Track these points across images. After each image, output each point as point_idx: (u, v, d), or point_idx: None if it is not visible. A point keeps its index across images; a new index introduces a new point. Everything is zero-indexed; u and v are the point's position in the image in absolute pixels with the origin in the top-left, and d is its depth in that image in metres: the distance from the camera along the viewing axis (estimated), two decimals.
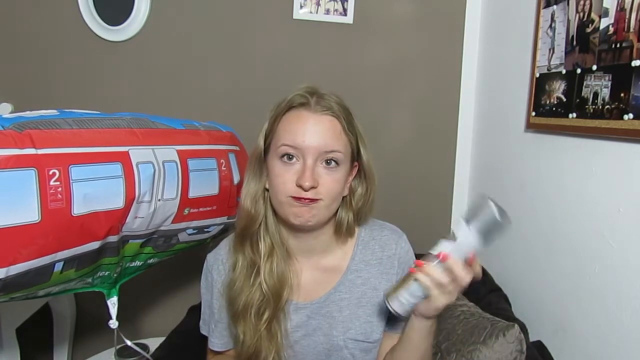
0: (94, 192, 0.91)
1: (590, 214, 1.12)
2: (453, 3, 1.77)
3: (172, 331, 1.39)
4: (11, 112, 1.08)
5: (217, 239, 1.21)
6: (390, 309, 0.85)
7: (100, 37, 1.69)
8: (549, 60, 1.27)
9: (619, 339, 1.02)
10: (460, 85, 1.81)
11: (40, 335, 1.69)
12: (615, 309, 1.03)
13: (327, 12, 1.72)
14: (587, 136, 1.13)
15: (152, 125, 1.08)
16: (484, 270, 1.53)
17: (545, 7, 1.30)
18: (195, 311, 1.41)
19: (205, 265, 1.05)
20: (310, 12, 1.72)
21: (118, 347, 1.28)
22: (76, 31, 1.68)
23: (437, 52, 1.79)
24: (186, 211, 1.12)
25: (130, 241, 1.06)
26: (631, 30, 0.97)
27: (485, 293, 1.44)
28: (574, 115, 1.15)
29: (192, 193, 1.12)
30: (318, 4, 1.71)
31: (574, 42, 1.16)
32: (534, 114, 1.34)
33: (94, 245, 0.95)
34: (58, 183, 0.85)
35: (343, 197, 0.95)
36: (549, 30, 1.28)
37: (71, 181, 0.87)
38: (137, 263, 1.17)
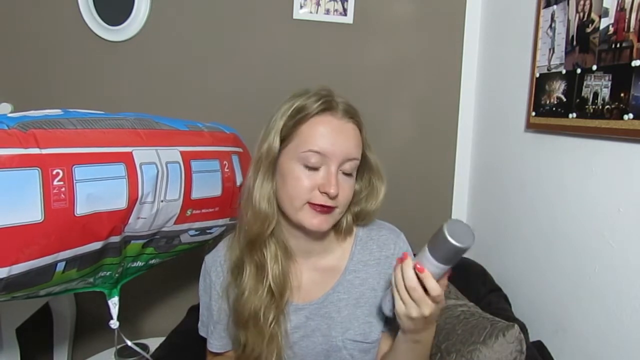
0: (97, 192, 0.91)
1: (590, 214, 1.12)
2: (453, 3, 1.77)
3: (172, 331, 1.39)
4: (11, 112, 1.08)
5: (217, 239, 1.21)
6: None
7: (100, 37, 1.69)
8: (549, 60, 1.27)
9: (619, 339, 1.02)
10: (460, 85, 1.81)
11: (40, 335, 1.69)
12: (615, 309, 1.03)
13: (327, 12, 1.72)
14: (587, 136, 1.13)
15: (155, 126, 1.08)
16: (484, 270, 1.55)
17: (545, 7, 1.30)
18: (195, 311, 1.41)
19: (203, 267, 1.04)
20: (310, 12, 1.72)
21: (118, 347, 1.28)
22: (76, 31, 1.68)
23: (437, 52, 1.79)
24: (189, 212, 1.12)
25: (132, 242, 1.07)
26: (631, 30, 0.97)
27: (485, 293, 1.44)
28: (574, 115, 1.15)
29: (195, 194, 1.12)
30: (318, 4, 1.71)
31: (574, 42, 1.17)
32: (534, 114, 1.34)
33: (96, 245, 0.95)
34: (61, 183, 0.85)
35: None
36: (549, 30, 1.28)
37: (75, 181, 0.87)
38: (139, 263, 1.17)
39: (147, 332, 1.82)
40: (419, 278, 0.78)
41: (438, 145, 1.84)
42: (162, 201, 1.04)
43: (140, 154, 0.99)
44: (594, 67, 1.08)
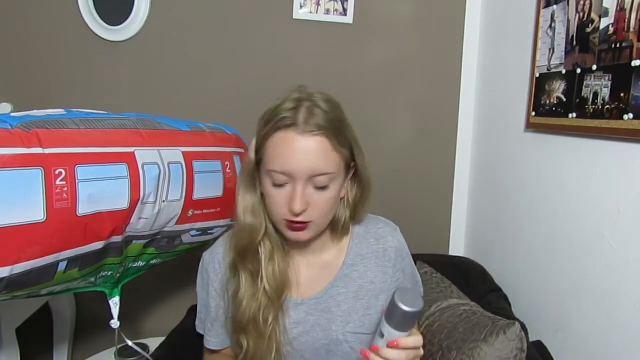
0: (100, 192, 0.91)
1: (590, 214, 1.12)
2: (453, 3, 1.77)
3: (172, 331, 1.39)
4: (11, 112, 1.08)
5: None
6: None
7: (100, 37, 1.69)
8: (549, 60, 1.27)
9: (619, 339, 1.02)
10: (460, 85, 1.81)
11: (40, 335, 1.69)
12: (615, 309, 1.03)
13: (327, 12, 1.72)
14: (587, 136, 1.13)
15: (157, 126, 1.08)
16: (484, 270, 1.55)
17: (545, 7, 1.30)
18: (195, 311, 1.41)
19: (201, 263, 1.04)
20: (310, 12, 1.72)
21: (119, 347, 1.28)
22: (76, 31, 1.68)
23: (437, 52, 1.79)
24: (190, 213, 1.12)
25: (134, 242, 1.07)
26: (631, 30, 0.97)
27: (485, 293, 1.44)
28: (574, 115, 1.16)
29: (197, 195, 1.12)
30: (318, 4, 1.71)
31: (574, 42, 1.17)
32: (534, 114, 1.34)
33: (98, 245, 0.95)
34: (64, 183, 0.85)
35: (341, 198, 0.95)
36: (549, 30, 1.28)
37: (77, 181, 0.87)
38: (140, 263, 1.17)
39: (147, 332, 1.81)
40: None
41: (438, 145, 1.84)
42: (164, 201, 1.04)
43: (143, 154, 0.99)
44: (594, 67, 1.08)
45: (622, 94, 0.99)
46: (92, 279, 1.06)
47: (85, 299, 1.71)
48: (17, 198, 0.80)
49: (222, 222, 1.24)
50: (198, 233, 1.20)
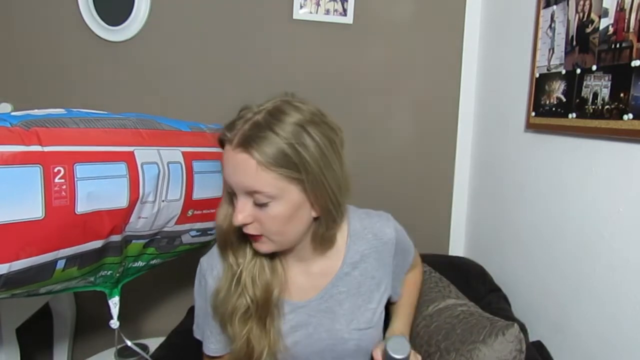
0: (98, 190, 0.91)
1: (590, 214, 1.12)
2: (453, 3, 1.77)
3: (172, 331, 1.39)
4: (11, 112, 1.08)
5: None
6: None
7: (100, 37, 1.69)
8: (549, 61, 1.27)
9: (619, 339, 1.02)
10: (460, 86, 1.81)
11: (40, 335, 1.69)
12: (615, 309, 1.03)
13: (327, 12, 1.72)
14: (586, 136, 1.13)
15: (157, 127, 1.08)
16: (483, 270, 1.55)
17: (545, 7, 1.30)
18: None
19: (198, 269, 1.01)
20: (310, 13, 1.72)
21: (118, 347, 1.28)
22: (76, 31, 1.68)
23: (437, 52, 1.79)
24: (190, 213, 1.13)
25: (133, 241, 1.07)
26: (631, 30, 0.97)
27: (485, 293, 1.44)
28: (574, 115, 1.16)
29: (196, 195, 1.12)
30: (318, 4, 1.71)
31: (574, 43, 1.17)
32: (533, 114, 1.34)
33: (97, 244, 0.95)
34: (63, 181, 0.85)
35: (314, 218, 0.89)
36: (548, 31, 1.28)
37: (76, 179, 0.88)
38: (140, 263, 1.17)
39: (147, 332, 1.82)
40: None
41: (438, 145, 1.84)
42: (163, 201, 1.04)
43: (142, 154, 0.99)
44: (594, 67, 1.08)
45: (621, 94, 0.99)
46: (92, 278, 1.06)
47: (85, 299, 1.72)
48: (16, 195, 0.80)
49: None
50: (198, 233, 1.20)
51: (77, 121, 0.93)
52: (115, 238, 0.99)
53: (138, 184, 0.97)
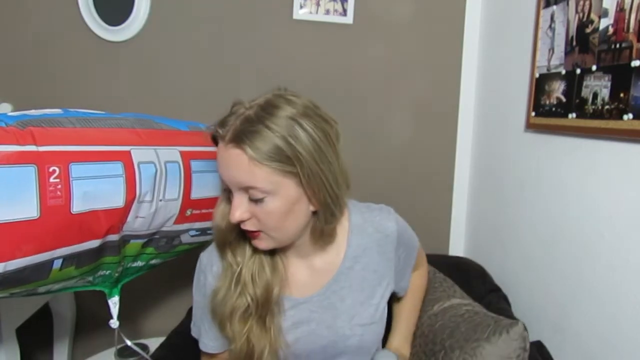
0: (94, 190, 0.91)
1: (590, 214, 1.12)
2: (453, 3, 1.77)
3: (172, 331, 1.39)
4: (11, 112, 1.08)
5: None
6: None
7: (100, 37, 1.69)
8: (549, 61, 1.27)
9: (619, 339, 1.02)
10: (460, 86, 1.81)
11: (40, 335, 1.69)
12: (615, 309, 1.03)
13: (327, 12, 1.72)
14: (586, 136, 1.13)
15: (155, 126, 1.08)
16: (483, 270, 1.55)
17: (545, 8, 1.30)
18: None
19: (198, 265, 1.00)
20: (310, 13, 1.72)
21: (118, 347, 1.28)
22: (76, 31, 1.68)
23: (437, 52, 1.79)
24: (188, 212, 1.12)
25: (131, 241, 1.07)
26: (631, 30, 0.97)
27: (485, 293, 1.44)
28: (574, 115, 1.15)
29: (195, 194, 1.12)
30: (318, 4, 1.71)
31: (574, 43, 1.17)
32: (533, 114, 1.34)
33: (94, 243, 0.95)
34: (58, 180, 0.85)
35: (313, 212, 0.89)
36: (548, 31, 1.28)
37: (71, 179, 0.87)
38: (139, 263, 1.17)
39: (147, 332, 1.81)
40: None
41: (438, 145, 1.84)
42: (160, 200, 1.04)
43: (139, 153, 0.99)
44: (594, 68, 1.08)
45: (621, 94, 0.99)
46: (90, 278, 1.06)
47: (85, 299, 1.72)
48: (11, 195, 0.80)
49: None
50: (197, 233, 1.20)
51: (74, 121, 0.93)
52: (113, 238, 0.99)
53: (135, 184, 0.97)
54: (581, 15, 1.14)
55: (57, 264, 0.90)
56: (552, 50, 1.26)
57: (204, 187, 1.14)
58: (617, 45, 1.01)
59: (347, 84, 1.76)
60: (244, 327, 0.91)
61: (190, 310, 1.46)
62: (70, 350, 1.76)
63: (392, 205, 1.06)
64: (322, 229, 0.91)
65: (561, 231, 1.23)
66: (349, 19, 1.73)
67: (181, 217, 1.11)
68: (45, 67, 1.71)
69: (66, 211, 0.87)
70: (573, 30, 1.17)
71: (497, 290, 1.46)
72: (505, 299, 1.44)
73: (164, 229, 1.10)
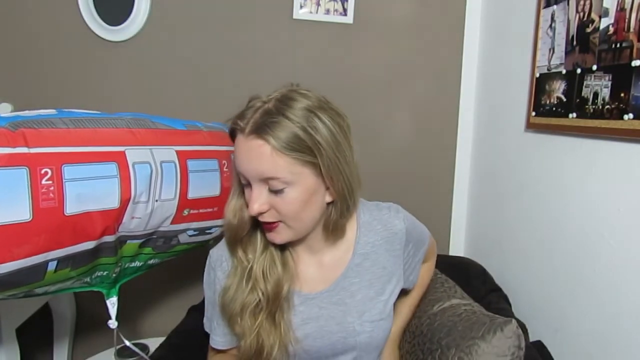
0: (88, 191, 0.90)
1: (590, 214, 1.12)
2: (453, 3, 1.77)
3: (172, 331, 1.39)
4: (11, 112, 1.08)
5: (218, 240, 1.20)
6: None
7: (100, 37, 1.69)
8: (549, 60, 1.27)
9: (619, 339, 1.01)
10: (460, 86, 1.80)
11: (40, 335, 1.69)
12: (615, 309, 1.03)
13: (327, 12, 1.72)
14: (587, 136, 1.13)
15: (151, 126, 1.08)
16: (484, 270, 1.54)
17: (545, 7, 1.30)
18: (195, 311, 1.41)
19: (208, 260, 1.01)
20: (310, 12, 1.72)
21: (118, 347, 1.28)
22: (76, 31, 1.68)
23: (437, 52, 1.79)
24: (186, 212, 1.12)
25: (128, 241, 1.06)
26: (631, 30, 0.96)
27: (485, 293, 1.44)
28: (574, 115, 1.15)
29: (192, 194, 1.11)
30: (318, 4, 1.71)
31: (574, 42, 1.16)
32: (534, 114, 1.34)
33: (89, 245, 0.94)
34: (50, 182, 0.85)
35: (328, 203, 0.90)
36: (549, 30, 1.28)
37: (64, 180, 0.87)
38: (137, 263, 1.17)
39: (147, 332, 1.82)
40: None
41: (438, 145, 1.84)
42: (156, 201, 1.03)
43: (133, 153, 0.99)
44: (594, 67, 1.07)
45: (622, 94, 0.98)
46: (87, 279, 1.05)
47: (85, 299, 1.72)
48: (2, 197, 0.80)
49: (219, 222, 1.23)
50: (195, 233, 1.20)
51: (67, 121, 0.92)
52: (109, 239, 0.98)
53: (129, 184, 0.96)
54: (581, 14, 1.14)
55: (52, 266, 0.90)
56: (552, 50, 1.26)
57: (201, 187, 1.14)
58: (618, 45, 1.00)
59: (347, 84, 1.76)
60: (254, 323, 0.91)
61: (190, 310, 1.47)
62: (70, 350, 1.76)
63: None
64: (335, 221, 0.92)
65: (561, 231, 1.22)
66: (349, 19, 1.73)
67: (178, 217, 1.11)
68: (46, 67, 1.71)
69: (59, 213, 0.86)
70: (573, 30, 1.17)
71: (497, 290, 1.46)
72: (505, 299, 1.43)
73: (161, 229, 1.10)
